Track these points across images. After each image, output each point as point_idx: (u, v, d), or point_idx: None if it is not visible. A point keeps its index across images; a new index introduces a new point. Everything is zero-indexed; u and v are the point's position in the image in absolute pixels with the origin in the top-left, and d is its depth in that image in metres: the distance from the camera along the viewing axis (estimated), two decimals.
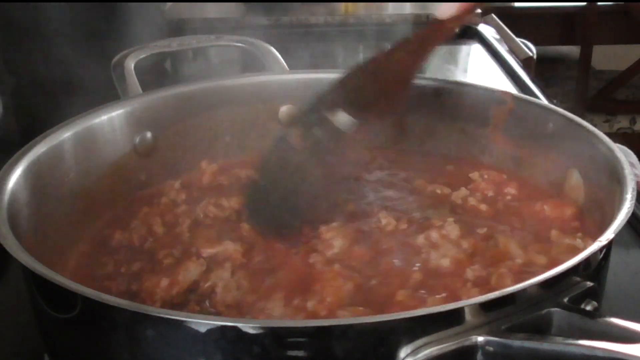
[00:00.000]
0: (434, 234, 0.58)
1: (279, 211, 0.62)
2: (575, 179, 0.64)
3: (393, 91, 0.64)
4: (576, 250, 0.47)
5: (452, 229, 0.59)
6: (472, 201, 0.66)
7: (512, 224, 0.62)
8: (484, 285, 0.52)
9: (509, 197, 0.67)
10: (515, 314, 0.42)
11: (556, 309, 0.43)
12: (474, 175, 0.70)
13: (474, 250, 0.57)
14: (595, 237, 0.48)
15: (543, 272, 0.44)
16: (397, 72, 0.64)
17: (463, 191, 0.68)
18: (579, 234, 0.58)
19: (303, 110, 0.67)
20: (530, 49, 1.42)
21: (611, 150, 0.59)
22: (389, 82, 0.64)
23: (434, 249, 0.56)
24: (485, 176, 0.70)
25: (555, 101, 1.03)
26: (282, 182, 0.64)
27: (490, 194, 0.68)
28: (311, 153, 0.63)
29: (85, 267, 0.59)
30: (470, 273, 0.53)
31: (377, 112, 0.65)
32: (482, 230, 0.60)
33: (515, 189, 0.68)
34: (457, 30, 0.64)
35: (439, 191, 0.69)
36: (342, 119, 0.61)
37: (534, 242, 0.58)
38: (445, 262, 0.55)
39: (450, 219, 0.60)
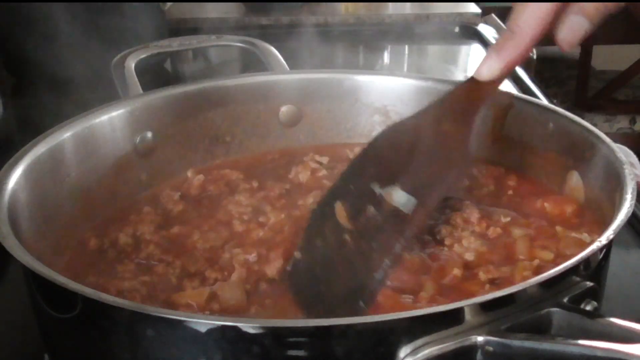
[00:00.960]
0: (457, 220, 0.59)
1: (328, 288, 0.54)
2: (575, 180, 0.64)
3: (447, 167, 0.57)
4: (583, 244, 0.46)
5: (472, 212, 0.59)
6: (476, 194, 0.66)
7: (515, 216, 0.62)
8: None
9: (510, 192, 0.68)
10: (515, 314, 0.42)
11: (556, 309, 0.43)
12: (472, 171, 0.70)
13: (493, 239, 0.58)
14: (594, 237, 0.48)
15: (551, 267, 0.44)
16: (444, 144, 0.57)
17: (465, 182, 0.68)
18: (584, 229, 0.59)
19: (343, 181, 0.60)
20: None
21: (611, 150, 0.59)
22: (437, 155, 0.57)
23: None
24: (484, 171, 0.70)
25: (555, 101, 1.03)
26: (328, 258, 0.56)
27: (491, 187, 0.68)
28: (362, 233, 0.55)
29: (85, 267, 0.59)
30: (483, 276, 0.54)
31: (436, 191, 0.57)
32: (499, 218, 0.61)
33: (514, 182, 0.69)
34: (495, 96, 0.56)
35: None
36: (400, 198, 0.54)
37: (539, 236, 0.58)
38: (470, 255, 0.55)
39: (467, 202, 0.61)
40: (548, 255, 0.55)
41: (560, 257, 0.54)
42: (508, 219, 0.61)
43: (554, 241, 0.57)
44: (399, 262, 0.53)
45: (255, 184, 0.70)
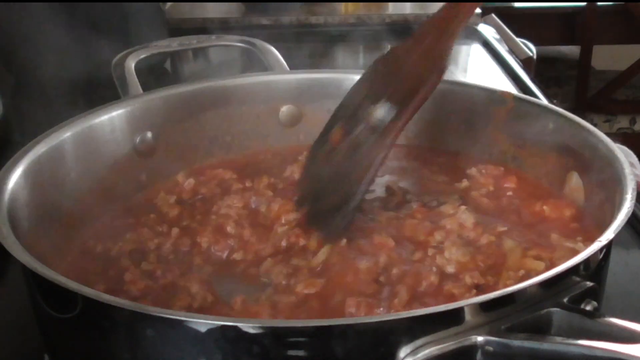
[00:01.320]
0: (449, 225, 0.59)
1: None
2: (575, 180, 0.64)
3: (425, 76, 0.61)
4: (577, 254, 0.46)
5: (467, 218, 0.59)
6: (474, 195, 0.66)
7: (513, 223, 0.62)
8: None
9: (509, 193, 0.67)
10: (515, 314, 0.42)
11: (556, 309, 0.43)
12: (472, 171, 0.70)
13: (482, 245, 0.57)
14: (595, 238, 0.48)
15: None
16: (425, 57, 0.61)
17: (465, 183, 0.68)
18: (579, 238, 0.58)
19: (345, 107, 0.64)
20: (530, 49, 1.42)
21: (611, 150, 0.59)
22: (419, 67, 0.61)
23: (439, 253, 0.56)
24: (483, 171, 0.70)
25: (555, 101, 1.03)
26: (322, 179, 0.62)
27: (491, 188, 0.68)
28: (347, 151, 0.61)
29: (85, 267, 0.59)
30: (469, 280, 0.53)
31: (415, 99, 0.61)
32: (489, 225, 0.60)
33: (514, 183, 0.68)
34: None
35: (440, 180, 0.69)
36: (381, 110, 0.59)
37: (534, 246, 0.58)
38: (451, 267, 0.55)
39: (463, 207, 0.61)
40: (539, 266, 0.54)
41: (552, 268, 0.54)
42: (504, 228, 0.60)
43: (549, 251, 0.56)
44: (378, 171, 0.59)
45: (248, 184, 0.70)
